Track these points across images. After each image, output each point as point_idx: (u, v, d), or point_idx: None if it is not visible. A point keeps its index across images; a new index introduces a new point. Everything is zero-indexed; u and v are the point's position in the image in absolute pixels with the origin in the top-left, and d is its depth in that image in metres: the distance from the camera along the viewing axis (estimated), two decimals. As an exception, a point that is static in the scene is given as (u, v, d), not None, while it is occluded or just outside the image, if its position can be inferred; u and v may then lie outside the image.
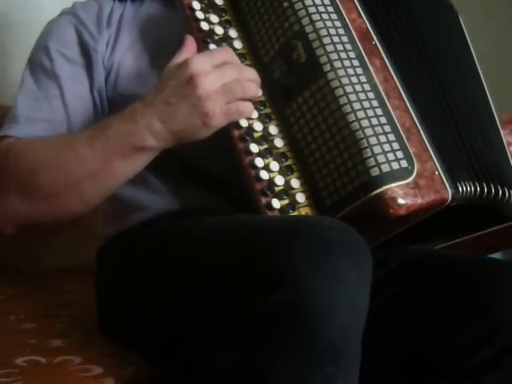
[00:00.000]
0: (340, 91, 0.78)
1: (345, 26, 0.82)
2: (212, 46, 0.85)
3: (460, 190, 0.79)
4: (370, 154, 0.75)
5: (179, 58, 0.80)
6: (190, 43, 0.83)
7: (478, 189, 0.81)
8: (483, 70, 1.01)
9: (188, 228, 0.83)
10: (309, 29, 0.81)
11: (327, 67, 0.79)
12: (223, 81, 0.77)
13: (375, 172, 0.75)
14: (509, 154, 0.91)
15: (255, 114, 0.82)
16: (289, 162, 0.81)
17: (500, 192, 0.83)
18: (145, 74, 0.93)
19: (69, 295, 1.21)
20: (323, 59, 0.79)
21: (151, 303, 0.83)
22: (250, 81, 0.80)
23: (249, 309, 0.65)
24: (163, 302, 0.81)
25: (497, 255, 1.68)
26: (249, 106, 0.80)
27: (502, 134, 0.92)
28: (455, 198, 0.79)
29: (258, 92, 0.81)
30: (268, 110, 0.83)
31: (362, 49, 0.82)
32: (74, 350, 0.84)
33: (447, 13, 0.97)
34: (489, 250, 1.00)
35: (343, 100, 0.77)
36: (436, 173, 0.79)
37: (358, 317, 0.65)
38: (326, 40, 0.80)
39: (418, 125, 0.81)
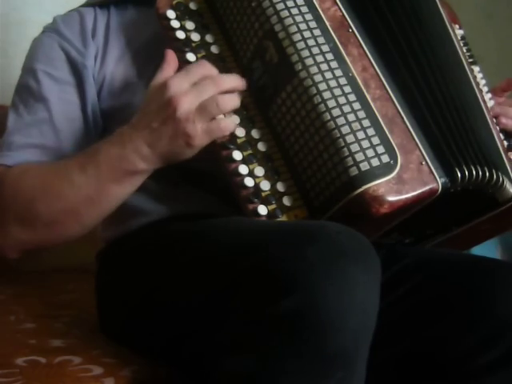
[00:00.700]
0: (313, 90, 0.75)
1: (317, 18, 0.79)
2: (189, 55, 0.84)
3: (455, 175, 0.77)
4: (347, 154, 0.73)
5: (160, 77, 0.81)
6: (171, 58, 0.83)
7: (474, 173, 0.78)
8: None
9: (194, 231, 0.82)
10: (278, 27, 0.78)
11: (298, 66, 0.76)
12: (200, 99, 0.77)
13: (354, 172, 0.73)
14: (496, 137, 0.88)
15: (237, 120, 0.81)
16: (275, 165, 0.80)
17: (495, 176, 0.80)
18: (136, 82, 0.92)
19: (69, 295, 1.21)
20: (294, 58, 0.77)
21: (155, 305, 0.83)
22: (229, 91, 0.79)
23: (260, 314, 0.65)
24: (169, 304, 0.80)
25: (497, 255, 1.68)
26: (230, 122, 0.79)
27: (488, 118, 0.88)
28: (447, 186, 0.77)
29: (236, 103, 0.80)
30: (251, 113, 0.82)
31: (337, 39, 0.79)
32: (74, 349, 0.85)
33: None
34: (489, 234, 0.98)
35: (317, 99, 0.75)
36: (423, 163, 0.76)
37: (369, 321, 0.65)
38: (296, 37, 0.77)
39: (403, 113, 0.78)
